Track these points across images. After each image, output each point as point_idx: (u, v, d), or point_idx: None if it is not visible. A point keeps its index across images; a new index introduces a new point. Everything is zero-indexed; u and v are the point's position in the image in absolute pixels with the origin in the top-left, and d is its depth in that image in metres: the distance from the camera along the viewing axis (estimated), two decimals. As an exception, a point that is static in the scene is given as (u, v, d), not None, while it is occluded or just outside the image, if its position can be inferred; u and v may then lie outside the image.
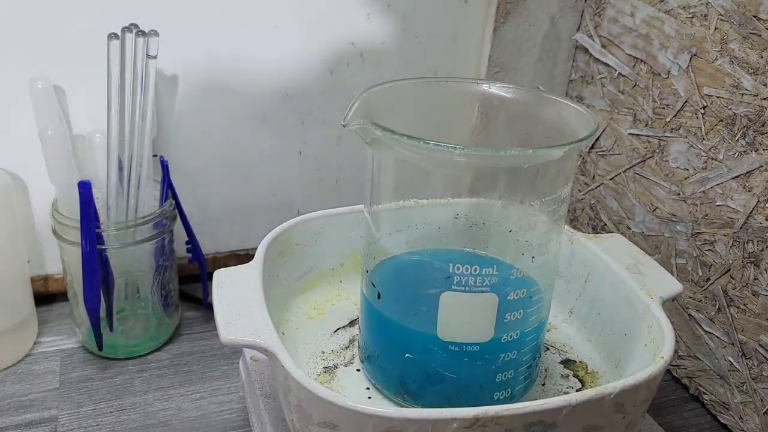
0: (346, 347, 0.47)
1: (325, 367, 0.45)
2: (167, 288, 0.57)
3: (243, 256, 0.67)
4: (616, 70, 0.60)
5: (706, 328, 0.54)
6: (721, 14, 0.49)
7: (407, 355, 0.41)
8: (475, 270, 0.38)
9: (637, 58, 0.58)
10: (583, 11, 0.64)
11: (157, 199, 0.55)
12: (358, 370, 0.45)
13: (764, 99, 0.47)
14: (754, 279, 0.49)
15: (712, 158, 0.51)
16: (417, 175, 0.41)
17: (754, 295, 0.49)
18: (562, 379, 0.46)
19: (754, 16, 0.47)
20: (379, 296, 0.42)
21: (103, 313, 0.53)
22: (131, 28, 0.50)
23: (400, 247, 0.43)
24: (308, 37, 0.60)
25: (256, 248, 0.46)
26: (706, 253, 0.53)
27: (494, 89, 0.44)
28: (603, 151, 0.63)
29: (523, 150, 0.36)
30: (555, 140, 0.40)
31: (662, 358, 0.38)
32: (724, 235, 0.51)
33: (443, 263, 0.41)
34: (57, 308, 0.61)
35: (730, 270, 0.51)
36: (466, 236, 0.43)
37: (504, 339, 0.39)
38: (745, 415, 0.51)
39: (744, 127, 0.48)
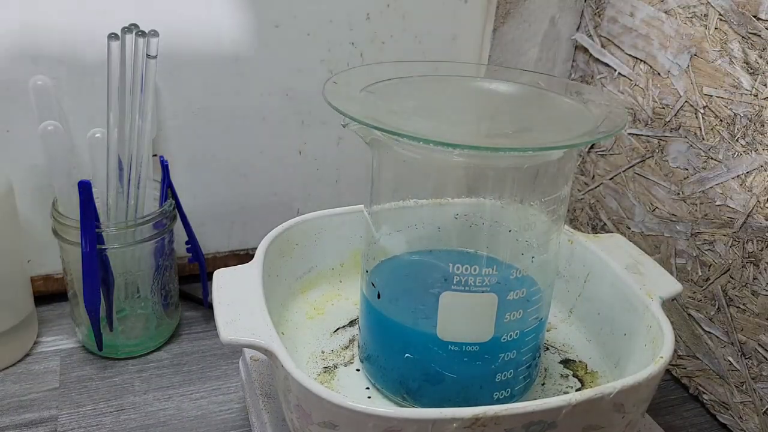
0: (346, 347, 0.47)
1: (325, 367, 0.45)
2: (167, 288, 0.57)
3: (243, 256, 0.67)
4: (615, 70, 0.60)
5: (706, 328, 0.54)
6: (720, 14, 0.49)
7: (407, 354, 0.41)
8: (475, 270, 0.38)
9: (636, 58, 0.58)
10: (582, 11, 0.64)
11: (157, 199, 0.55)
12: (358, 369, 0.45)
13: (764, 99, 0.47)
14: (754, 279, 0.49)
15: (712, 158, 0.51)
16: (417, 175, 0.41)
17: (753, 294, 0.49)
18: (561, 379, 0.46)
19: (754, 16, 0.47)
20: (379, 296, 0.42)
21: (103, 313, 0.53)
22: (131, 28, 0.50)
23: (400, 247, 0.43)
24: (308, 37, 0.60)
25: (256, 248, 0.46)
26: (706, 252, 0.53)
27: (494, 86, 0.45)
28: (602, 151, 0.63)
29: (523, 150, 0.36)
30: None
31: (662, 357, 0.38)
32: (724, 235, 0.51)
33: (443, 263, 0.41)
34: (57, 308, 0.61)
35: (729, 270, 0.51)
36: (465, 236, 0.43)
37: (504, 339, 0.40)
38: (745, 414, 0.52)
39: (743, 127, 0.49)
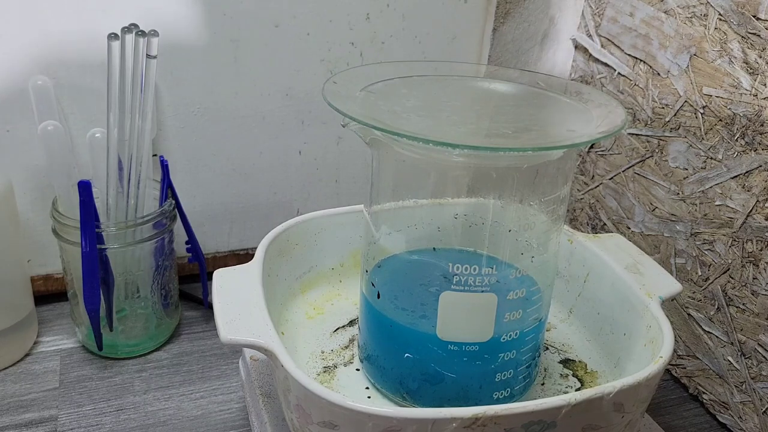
0: (346, 347, 0.47)
1: (325, 367, 0.45)
2: (167, 288, 0.57)
3: (243, 256, 0.67)
4: (615, 70, 0.60)
5: (706, 328, 0.54)
6: (720, 14, 0.49)
7: (407, 354, 0.41)
8: (475, 270, 0.38)
9: (636, 58, 0.58)
10: (582, 11, 0.64)
11: (157, 199, 0.55)
12: (358, 369, 0.45)
13: (763, 99, 0.47)
14: (753, 278, 0.49)
15: (712, 158, 0.51)
16: (417, 175, 0.41)
17: (753, 294, 0.49)
18: (561, 379, 0.46)
19: (754, 16, 0.47)
20: (378, 296, 0.42)
21: (103, 312, 0.53)
22: (131, 28, 0.50)
23: (399, 247, 0.43)
24: (308, 37, 0.60)
25: (255, 248, 0.46)
26: (706, 252, 0.53)
27: (494, 86, 0.45)
28: (602, 150, 0.63)
29: (523, 150, 0.36)
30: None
31: (661, 357, 0.38)
32: (724, 235, 0.51)
33: (443, 263, 0.41)
34: (57, 308, 0.61)
35: (729, 269, 0.51)
36: (465, 236, 0.43)
37: (503, 338, 0.40)
38: (745, 414, 0.52)
39: (743, 126, 0.49)
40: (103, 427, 0.49)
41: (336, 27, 0.60)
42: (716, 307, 0.52)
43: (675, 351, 0.57)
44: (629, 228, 0.61)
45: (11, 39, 0.52)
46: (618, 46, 0.60)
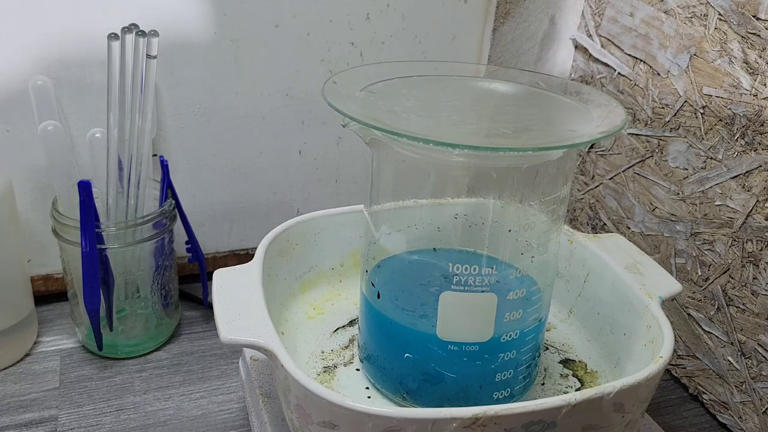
0: (346, 347, 0.47)
1: (325, 367, 0.45)
2: (167, 288, 0.57)
3: (243, 256, 0.67)
4: (615, 70, 0.60)
5: (706, 328, 0.54)
6: (720, 14, 0.49)
7: (407, 354, 0.41)
8: (475, 270, 0.38)
9: (636, 58, 0.58)
10: (582, 11, 0.64)
11: (157, 199, 0.55)
12: (358, 369, 0.45)
13: (763, 99, 0.47)
14: (753, 278, 0.49)
15: (712, 158, 0.51)
16: (416, 175, 0.41)
17: (753, 294, 0.49)
18: (561, 379, 0.46)
19: (754, 16, 0.47)
20: (378, 296, 0.42)
21: (103, 312, 0.53)
22: (131, 28, 0.50)
23: (399, 247, 0.43)
24: (308, 37, 0.60)
25: (255, 248, 0.46)
26: (706, 252, 0.53)
27: (494, 86, 0.45)
28: (602, 150, 0.63)
29: (523, 150, 0.36)
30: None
31: (661, 357, 0.38)
32: (723, 235, 0.51)
33: (443, 263, 0.41)
34: (57, 308, 0.61)
35: (729, 269, 0.51)
36: (465, 236, 0.43)
37: (503, 338, 0.40)
38: (745, 414, 0.52)
39: (743, 126, 0.49)
40: (103, 427, 0.49)
41: (336, 27, 0.60)
42: (716, 307, 0.52)
43: (675, 351, 0.57)
44: (629, 228, 0.61)
45: (11, 39, 0.52)
46: (618, 46, 0.60)
